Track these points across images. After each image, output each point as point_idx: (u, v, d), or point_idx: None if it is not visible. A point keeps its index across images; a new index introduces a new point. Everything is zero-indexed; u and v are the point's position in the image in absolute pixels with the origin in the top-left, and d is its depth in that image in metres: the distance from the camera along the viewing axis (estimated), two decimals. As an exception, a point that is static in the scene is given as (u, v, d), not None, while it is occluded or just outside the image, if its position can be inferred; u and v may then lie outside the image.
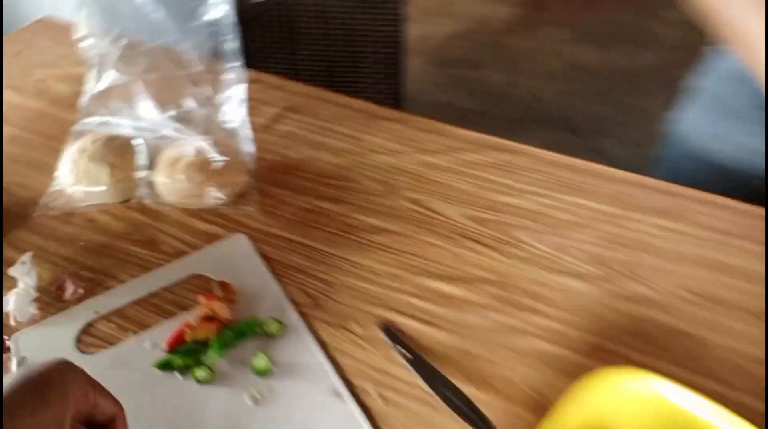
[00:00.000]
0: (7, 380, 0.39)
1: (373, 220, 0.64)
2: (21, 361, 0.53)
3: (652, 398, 0.44)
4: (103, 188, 0.65)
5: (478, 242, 0.61)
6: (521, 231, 0.62)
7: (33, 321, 0.56)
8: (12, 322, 0.56)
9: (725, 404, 0.42)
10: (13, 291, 0.57)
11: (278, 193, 0.67)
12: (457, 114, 1.96)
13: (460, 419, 0.47)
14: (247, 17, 0.72)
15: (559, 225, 0.63)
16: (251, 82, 0.69)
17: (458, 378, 0.50)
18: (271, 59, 1.26)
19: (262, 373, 0.51)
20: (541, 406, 0.49)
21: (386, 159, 0.71)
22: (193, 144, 0.66)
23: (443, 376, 0.50)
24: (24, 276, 0.58)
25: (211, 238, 0.63)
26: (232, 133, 0.69)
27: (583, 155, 0.70)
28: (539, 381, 0.50)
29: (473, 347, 0.53)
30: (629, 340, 0.53)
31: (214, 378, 0.51)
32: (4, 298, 0.57)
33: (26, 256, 0.59)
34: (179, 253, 0.62)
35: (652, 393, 0.44)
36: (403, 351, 0.52)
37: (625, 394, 0.45)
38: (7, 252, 0.62)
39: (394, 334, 0.54)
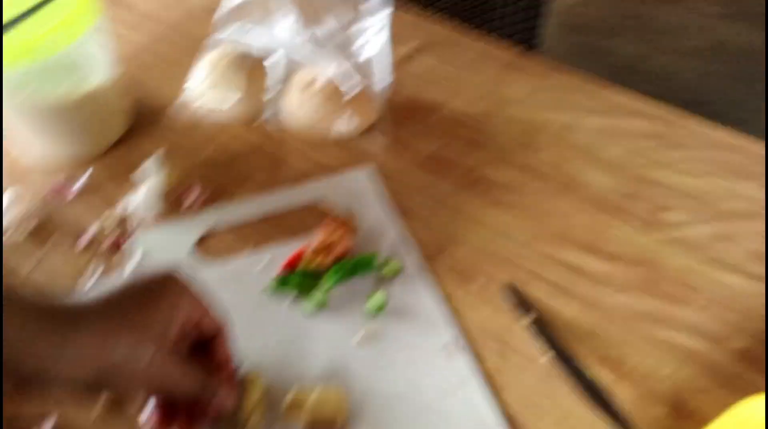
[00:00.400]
0: (122, 279, 0.39)
1: (507, 177, 0.59)
2: (141, 259, 0.53)
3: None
4: (232, 104, 0.64)
5: (624, 217, 0.55)
6: (675, 213, 0.55)
7: (154, 222, 0.56)
8: (135, 221, 0.56)
9: None
10: (139, 190, 0.57)
11: (408, 133, 0.63)
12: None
13: (585, 401, 0.42)
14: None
15: (720, 212, 0.55)
16: (394, 12, 0.64)
17: (589, 358, 0.45)
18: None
19: (375, 313, 0.48)
20: (687, 410, 0.43)
21: (528, 113, 0.65)
22: (328, 69, 0.63)
23: (570, 350, 0.45)
24: (152, 176, 0.58)
25: (334, 168, 0.60)
26: (368, 63, 0.65)
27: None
28: (682, 382, 0.44)
29: (607, 329, 0.47)
30: (797, 353, 0.46)
31: (324, 308, 0.49)
32: (130, 198, 0.57)
33: (155, 158, 0.58)
34: (301, 179, 0.59)
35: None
36: (530, 317, 0.47)
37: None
38: (133, 155, 0.62)
39: (521, 297, 0.49)
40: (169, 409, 0.40)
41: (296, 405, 0.43)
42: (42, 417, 0.43)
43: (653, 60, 2.06)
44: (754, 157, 0.59)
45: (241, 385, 0.42)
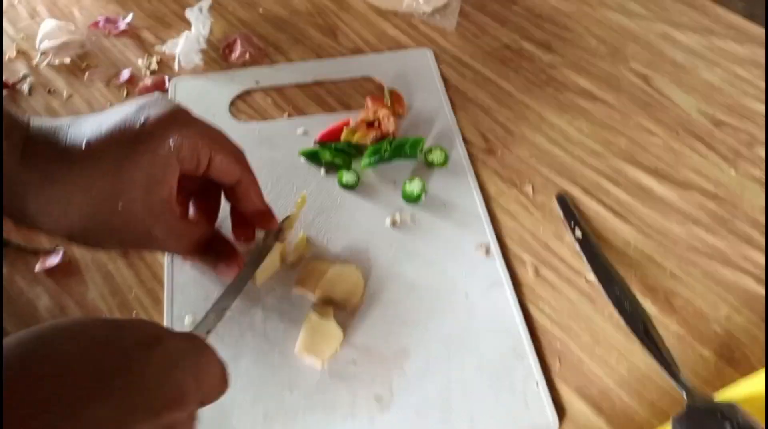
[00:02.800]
0: (118, 113, 0.33)
1: (584, 82, 0.52)
2: (174, 104, 0.50)
3: None
4: (298, -42, 0.58)
5: (707, 146, 0.48)
6: (765, 150, 0.48)
7: (195, 71, 0.53)
8: (175, 66, 0.53)
9: None
10: (183, 34, 0.53)
11: (482, 19, 0.57)
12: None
13: (624, 327, 0.38)
14: None
15: (822, 157, 0.48)
16: None
17: (636, 286, 0.41)
18: None
19: (411, 200, 0.44)
20: (734, 358, 0.38)
21: (620, 18, 0.57)
22: (406, -66, 0.56)
23: (619, 276, 0.41)
24: (198, 22, 0.54)
25: (395, 44, 0.55)
26: (451, -64, 0.58)
27: None
28: (738, 327, 0.39)
29: (665, 259, 0.42)
30: None
31: (359, 186, 0.45)
32: (173, 41, 0.53)
33: (205, 3, 0.54)
34: (356, 51, 0.54)
35: None
36: (578, 232, 0.43)
37: None
38: (185, -1, 0.58)
39: (571, 209, 0.44)
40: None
41: (310, 276, 0.40)
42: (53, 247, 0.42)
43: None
44: None
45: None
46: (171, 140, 0.32)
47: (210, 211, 0.40)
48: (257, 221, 0.39)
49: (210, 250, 0.38)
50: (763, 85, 0.53)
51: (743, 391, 0.34)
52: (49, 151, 0.31)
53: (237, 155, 0.36)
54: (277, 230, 0.39)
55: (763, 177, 0.47)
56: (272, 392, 0.36)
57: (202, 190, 0.39)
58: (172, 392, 0.24)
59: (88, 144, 0.31)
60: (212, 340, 0.30)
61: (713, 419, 0.32)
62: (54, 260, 0.41)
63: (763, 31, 0.57)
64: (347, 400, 0.36)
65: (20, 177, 0.31)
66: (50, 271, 0.41)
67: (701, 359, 0.38)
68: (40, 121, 0.32)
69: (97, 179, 0.31)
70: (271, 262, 0.40)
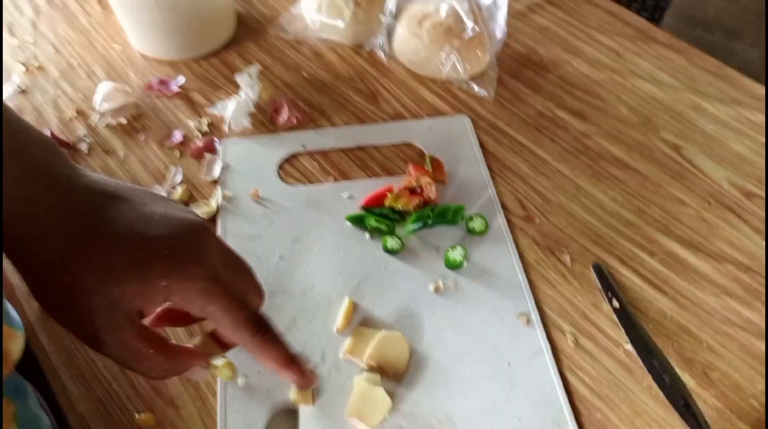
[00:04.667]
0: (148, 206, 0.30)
1: (617, 151, 0.54)
2: (225, 166, 0.52)
3: None
4: (342, 24, 0.61)
5: (739, 217, 0.50)
6: (799, 222, 0.50)
7: (244, 133, 0.55)
8: (225, 128, 0.55)
9: None
10: (234, 98, 0.56)
11: (517, 88, 0.59)
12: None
13: (663, 399, 0.39)
14: None
15: None
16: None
17: (672, 357, 0.42)
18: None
19: (454, 267, 0.46)
20: (770, 430, 0.39)
21: (651, 88, 0.60)
22: (447, 4, 0.59)
23: (657, 347, 0.42)
24: (247, 87, 0.56)
25: (434, 110, 0.57)
26: (488, 7, 0.61)
27: None
28: (775, 401, 0.40)
29: (702, 331, 0.43)
30: None
31: (403, 251, 0.47)
32: (223, 103, 0.56)
33: (254, 69, 0.57)
34: (397, 116, 0.57)
35: None
36: (615, 303, 0.44)
37: None
38: (235, 61, 0.62)
39: (608, 278, 0.46)
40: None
41: (359, 343, 0.41)
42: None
43: (779, 65, 1.89)
44: None
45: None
46: (164, 281, 0.28)
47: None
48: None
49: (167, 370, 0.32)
50: (791, 157, 0.54)
51: (785, 471, 0.35)
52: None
53: (237, 305, 0.31)
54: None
55: (795, 250, 0.48)
56: (323, 458, 0.37)
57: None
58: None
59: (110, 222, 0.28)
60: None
61: (757, 500, 0.33)
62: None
63: (789, 102, 0.59)
64: (395, 468, 0.37)
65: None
66: None
67: (740, 435, 0.39)
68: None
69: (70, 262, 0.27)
70: None
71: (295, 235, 0.48)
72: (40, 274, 0.28)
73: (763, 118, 0.57)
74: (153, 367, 0.30)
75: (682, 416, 0.39)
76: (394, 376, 0.41)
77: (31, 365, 0.40)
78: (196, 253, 0.30)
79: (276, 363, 0.33)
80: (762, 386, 0.41)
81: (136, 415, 0.39)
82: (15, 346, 0.32)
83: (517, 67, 0.61)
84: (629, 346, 0.42)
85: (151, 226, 0.29)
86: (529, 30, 0.65)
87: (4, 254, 0.28)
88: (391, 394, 0.39)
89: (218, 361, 0.36)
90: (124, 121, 0.56)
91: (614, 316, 0.44)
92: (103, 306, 0.28)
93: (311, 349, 0.42)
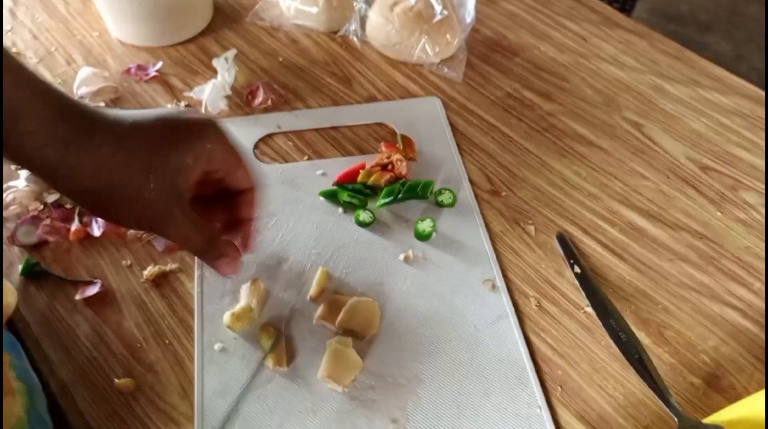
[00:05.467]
0: (163, 110, 0.37)
1: (581, 129, 0.57)
2: (202, 146, 0.54)
3: None
4: (316, 10, 0.63)
5: (696, 190, 0.53)
6: (750, 193, 0.52)
7: (220, 115, 0.57)
8: (202, 111, 0.57)
9: None
10: (210, 81, 0.58)
11: (486, 70, 0.62)
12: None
13: (621, 359, 0.42)
14: None
15: (801, 202, 0.52)
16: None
17: (630, 318, 0.44)
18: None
19: (422, 237, 0.48)
20: (720, 385, 0.41)
21: (614, 70, 0.62)
22: (417, -8, 0.61)
23: (615, 309, 0.44)
24: (223, 71, 0.58)
25: (406, 92, 0.59)
26: (457, -7, 0.63)
27: None
28: (724, 355, 0.43)
29: (658, 294, 0.46)
30: None
31: (374, 224, 0.49)
32: (200, 87, 0.58)
33: (230, 53, 0.59)
34: (370, 98, 0.59)
35: None
36: (576, 269, 0.46)
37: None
38: (212, 47, 0.63)
39: (570, 247, 0.48)
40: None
41: (331, 309, 0.43)
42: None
43: (747, 61, 1.94)
44: None
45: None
46: (208, 142, 0.36)
47: (212, 219, 0.41)
48: (245, 231, 0.41)
49: (213, 249, 0.39)
50: (746, 133, 0.57)
51: (729, 415, 0.37)
52: (94, 117, 0.33)
53: (251, 168, 0.40)
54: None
55: (747, 219, 0.51)
56: (297, 415, 0.39)
57: (205, 199, 0.40)
58: None
59: (136, 120, 0.34)
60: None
61: (700, 441, 0.35)
62: (92, 290, 0.44)
63: (745, 83, 0.62)
64: (366, 423, 0.39)
65: (58, 129, 0.32)
66: (88, 301, 0.44)
67: (691, 386, 0.41)
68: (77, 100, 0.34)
69: (139, 149, 0.34)
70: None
71: (271, 211, 0.49)
72: (105, 190, 0.33)
73: (720, 97, 0.60)
74: (199, 240, 0.37)
75: (637, 371, 0.41)
76: (365, 339, 0.43)
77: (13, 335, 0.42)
78: (218, 127, 0.38)
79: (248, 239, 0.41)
80: (713, 342, 0.44)
81: (116, 380, 0.41)
82: (11, 298, 0.34)
83: (487, 51, 0.63)
84: (589, 309, 0.45)
85: (181, 115, 0.37)
86: (498, 16, 0.67)
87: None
88: (362, 356, 0.41)
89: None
90: (102, 104, 0.57)
91: (576, 282, 0.46)
92: (165, 185, 0.35)
93: (284, 317, 0.44)
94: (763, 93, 0.60)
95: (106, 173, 0.33)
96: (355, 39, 0.63)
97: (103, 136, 0.33)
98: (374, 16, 0.62)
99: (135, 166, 0.34)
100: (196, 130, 0.36)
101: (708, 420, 0.37)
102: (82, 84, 0.57)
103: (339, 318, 0.43)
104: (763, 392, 0.37)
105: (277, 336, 0.42)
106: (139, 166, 0.34)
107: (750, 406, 0.37)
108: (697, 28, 2.07)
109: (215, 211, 0.41)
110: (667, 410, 0.38)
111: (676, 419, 0.37)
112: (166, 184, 0.35)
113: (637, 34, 0.66)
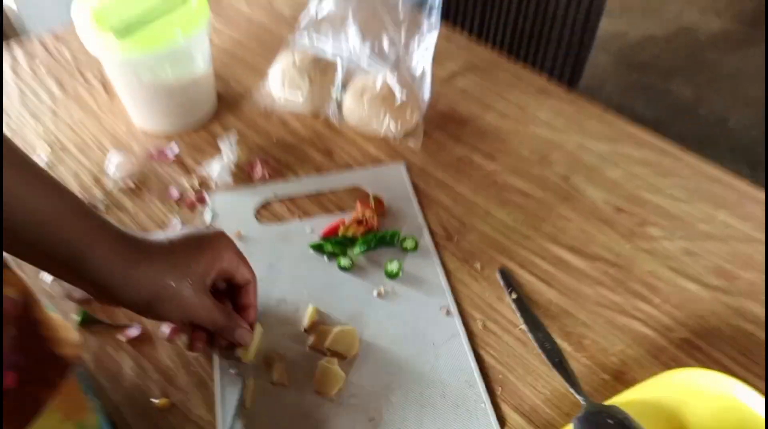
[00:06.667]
0: (185, 229, 0.50)
1: (519, 184, 0.70)
2: (214, 216, 0.67)
3: (728, 400, 0.47)
4: (301, 98, 0.78)
5: (610, 227, 0.65)
6: (654, 228, 0.65)
7: (227, 187, 0.70)
8: (212, 184, 0.70)
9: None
10: (217, 159, 0.71)
11: (440, 138, 0.76)
12: (629, 118, 1.91)
13: (547, 363, 0.53)
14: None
15: (693, 232, 0.65)
16: (442, 36, 0.77)
17: (556, 332, 0.56)
18: (463, 16, 1.31)
19: (391, 276, 0.60)
20: (624, 378, 0.53)
21: (546, 133, 0.76)
22: (381, 78, 0.76)
23: (543, 325, 0.56)
24: (228, 150, 0.72)
25: (375, 160, 0.73)
26: (415, 77, 0.77)
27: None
28: (629, 357, 0.55)
29: (577, 312, 0.58)
30: (726, 349, 0.55)
31: (353, 268, 0.61)
32: (208, 163, 0.71)
33: (232, 136, 0.73)
34: (347, 166, 0.72)
35: (733, 396, 0.47)
36: (514, 295, 0.59)
37: (705, 392, 0.48)
38: (217, 130, 0.77)
39: (509, 279, 0.60)
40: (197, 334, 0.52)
41: (320, 337, 0.55)
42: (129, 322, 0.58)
43: (708, 104, 2.10)
44: (735, 190, 0.69)
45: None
46: (221, 249, 0.50)
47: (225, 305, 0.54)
48: (248, 312, 0.54)
49: (231, 322, 0.52)
50: (651, 180, 0.70)
51: (622, 399, 0.48)
52: (144, 240, 0.46)
53: (250, 268, 0.53)
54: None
55: (651, 248, 0.63)
56: (295, 421, 0.51)
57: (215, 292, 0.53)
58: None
59: (171, 240, 0.47)
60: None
61: (599, 416, 0.47)
62: (133, 333, 0.57)
63: (653, 138, 0.75)
64: (349, 423, 0.51)
65: (123, 252, 0.44)
66: (131, 341, 0.56)
67: (603, 381, 0.53)
68: (127, 229, 0.47)
69: (177, 259, 0.47)
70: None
71: (270, 262, 0.62)
72: (151, 296, 0.45)
73: (633, 151, 0.74)
74: (223, 319, 0.50)
75: (559, 372, 0.53)
76: (347, 359, 0.54)
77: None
78: (227, 237, 0.51)
79: (256, 297, 0.54)
80: (620, 347, 0.56)
81: (155, 401, 0.52)
82: (72, 334, 0.46)
83: (441, 122, 0.77)
84: (523, 326, 0.57)
85: (200, 232, 0.50)
86: (451, 92, 0.82)
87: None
88: (346, 372, 0.53)
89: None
90: (131, 184, 0.70)
91: (513, 306, 0.58)
92: (197, 284, 0.47)
93: (284, 345, 0.56)
94: (666, 145, 0.74)
95: (160, 280, 0.45)
96: (333, 119, 0.77)
97: (156, 254, 0.46)
98: (348, 101, 0.76)
99: (177, 272, 0.46)
100: (214, 241, 0.50)
101: (608, 402, 0.49)
102: (115, 168, 0.71)
103: (326, 343, 0.55)
104: (649, 380, 0.49)
105: (276, 361, 0.54)
106: (179, 271, 0.47)
107: (639, 390, 0.48)
108: (658, 75, 2.24)
109: (224, 300, 0.53)
110: (580, 399, 0.50)
111: (583, 402, 0.49)
112: (198, 282, 0.48)
113: (566, 102, 0.80)
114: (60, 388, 0.40)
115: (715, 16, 2.47)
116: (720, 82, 2.19)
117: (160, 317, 0.48)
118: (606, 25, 2.35)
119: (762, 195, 0.68)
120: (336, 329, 0.56)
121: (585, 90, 1.48)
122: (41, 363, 0.40)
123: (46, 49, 0.90)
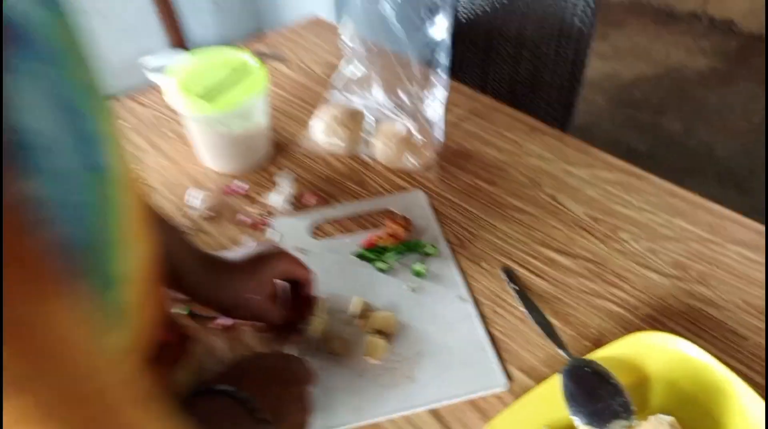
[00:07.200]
0: (253, 246, 0.67)
1: (516, 202, 0.88)
2: (281, 238, 0.85)
3: (682, 355, 0.64)
4: (340, 143, 0.97)
5: (590, 233, 0.83)
6: (625, 233, 0.82)
7: (286, 213, 0.89)
8: (275, 211, 0.89)
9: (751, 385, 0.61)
10: (276, 191, 0.90)
11: (452, 170, 0.94)
12: (622, 151, 2.09)
13: (544, 335, 0.70)
14: (454, 33, 0.99)
15: (657, 235, 0.82)
16: (450, 88, 0.96)
17: (548, 312, 0.73)
18: (465, 71, 1.52)
19: (418, 275, 0.78)
20: (601, 344, 0.70)
21: (537, 162, 0.94)
22: (403, 124, 0.95)
23: (538, 308, 0.73)
24: (285, 185, 0.91)
25: (401, 188, 0.92)
26: (430, 122, 0.96)
27: (747, 214, 0.84)
28: (604, 328, 0.71)
29: (564, 297, 0.75)
30: (683, 322, 0.72)
31: (388, 270, 0.79)
32: (270, 197, 0.90)
33: (287, 173, 0.92)
34: (378, 194, 0.91)
35: (683, 352, 0.64)
36: (515, 286, 0.76)
37: (662, 349, 0.64)
38: (271, 168, 0.96)
39: (511, 275, 0.78)
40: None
41: (365, 318, 0.73)
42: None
43: (697, 136, 2.29)
44: (689, 201, 0.86)
45: (315, 308, 0.71)
46: (279, 260, 0.66)
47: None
48: (307, 303, 0.71)
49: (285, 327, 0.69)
50: (623, 196, 0.88)
51: (597, 355, 0.65)
52: (220, 258, 0.64)
53: (307, 268, 0.68)
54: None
55: (622, 249, 0.80)
56: (350, 380, 0.68)
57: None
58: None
59: (241, 257, 0.65)
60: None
61: (580, 368, 0.63)
62: (224, 321, 0.74)
63: (625, 164, 0.93)
64: (391, 380, 0.67)
65: (207, 265, 0.61)
66: (222, 328, 0.74)
67: (584, 347, 0.70)
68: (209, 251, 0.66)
69: (245, 271, 0.64)
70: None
71: (326, 268, 0.80)
72: (230, 304, 0.63)
73: (607, 174, 0.91)
74: (282, 317, 0.66)
75: (552, 339, 0.69)
76: (388, 335, 0.72)
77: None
78: (283, 250, 0.66)
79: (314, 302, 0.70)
80: (598, 322, 0.72)
81: (245, 370, 0.70)
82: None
83: (452, 157, 0.96)
84: (523, 310, 0.74)
85: (261, 251, 0.65)
86: (459, 133, 1.01)
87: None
88: (387, 343, 0.70)
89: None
90: (212, 213, 0.89)
91: (514, 295, 0.75)
92: (265, 286, 0.64)
93: (339, 328, 0.73)
94: (633, 168, 0.92)
95: (238, 284, 0.62)
96: (367, 158, 0.96)
97: (231, 267, 0.63)
98: (377, 143, 0.95)
99: (246, 281, 0.63)
100: (273, 255, 0.65)
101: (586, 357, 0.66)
102: (199, 202, 0.90)
103: (371, 324, 0.72)
104: (618, 340, 0.65)
105: (336, 337, 0.71)
106: (248, 280, 0.63)
107: (610, 348, 0.65)
108: (650, 111, 2.44)
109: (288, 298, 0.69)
110: (565, 356, 0.66)
111: (568, 359, 0.65)
112: (263, 289, 0.63)
113: (554, 137, 0.99)
114: (189, 351, 0.58)
115: (701, 56, 2.68)
116: (707, 116, 2.38)
117: (238, 317, 0.67)
118: (600, 67, 2.57)
119: (710, 204, 0.85)
120: (378, 314, 0.73)
121: (582, 126, 1.67)
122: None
123: (125, 109, 1.11)
